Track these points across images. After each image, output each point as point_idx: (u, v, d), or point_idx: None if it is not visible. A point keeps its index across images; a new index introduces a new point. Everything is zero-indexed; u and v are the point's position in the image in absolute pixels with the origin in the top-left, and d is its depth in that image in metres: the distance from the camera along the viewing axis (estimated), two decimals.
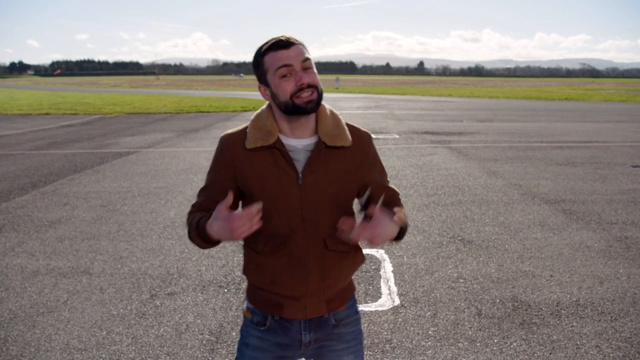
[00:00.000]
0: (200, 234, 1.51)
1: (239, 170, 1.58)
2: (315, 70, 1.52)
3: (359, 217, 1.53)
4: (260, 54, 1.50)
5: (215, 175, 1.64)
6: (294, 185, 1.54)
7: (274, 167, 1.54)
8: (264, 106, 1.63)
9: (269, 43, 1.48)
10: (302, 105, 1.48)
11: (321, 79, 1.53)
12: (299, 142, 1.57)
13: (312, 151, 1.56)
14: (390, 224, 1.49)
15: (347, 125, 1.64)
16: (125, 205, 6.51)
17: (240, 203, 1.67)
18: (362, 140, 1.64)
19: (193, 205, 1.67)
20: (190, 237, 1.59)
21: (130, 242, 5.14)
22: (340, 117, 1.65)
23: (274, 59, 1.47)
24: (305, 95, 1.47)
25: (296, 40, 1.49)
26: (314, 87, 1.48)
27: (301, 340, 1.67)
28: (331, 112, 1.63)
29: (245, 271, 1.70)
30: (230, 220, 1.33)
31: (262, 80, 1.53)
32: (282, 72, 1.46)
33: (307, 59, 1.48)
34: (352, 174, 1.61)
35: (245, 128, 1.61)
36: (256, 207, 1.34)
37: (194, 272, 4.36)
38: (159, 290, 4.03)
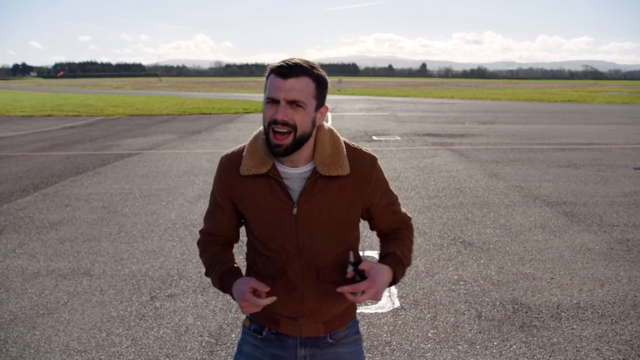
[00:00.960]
0: (223, 287, 1.60)
1: (235, 195, 1.57)
2: (307, 109, 1.42)
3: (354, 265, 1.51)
4: (268, 72, 1.45)
5: (215, 200, 1.65)
6: (289, 214, 1.51)
7: (269, 195, 1.51)
8: (261, 128, 1.56)
9: (277, 64, 1.42)
10: (272, 144, 1.43)
11: None
12: (295, 170, 1.52)
13: (307, 180, 1.50)
14: (384, 273, 1.48)
15: (350, 148, 1.56)
16: (127, 207, 6.53)
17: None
18: (363, 165, 1.55)
19: (202, 232, 1.71)
20: (207, 275, 1.68)
21: (131, 243, 5.15)
22: (341, 140, 1.57)
23: (270, 84, 1.42)
24: (278, 132, 1.41)
25: (300, 73, 1.40)
26: (291, 127, 1.40)
27: (296, 355, 1.65)
28: (331, 135, 1.55)
29: None
30: (241, 299, 1.45)
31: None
32: (268, 99, 1.42)
33: (295, 99, 1.39)
34: (351, 203, 1.55)
35: (243, 149, 1.57)
36: (263, 301, 1.44)
37: (194, 274, 4.36)
38: (159, 292, 4.04)
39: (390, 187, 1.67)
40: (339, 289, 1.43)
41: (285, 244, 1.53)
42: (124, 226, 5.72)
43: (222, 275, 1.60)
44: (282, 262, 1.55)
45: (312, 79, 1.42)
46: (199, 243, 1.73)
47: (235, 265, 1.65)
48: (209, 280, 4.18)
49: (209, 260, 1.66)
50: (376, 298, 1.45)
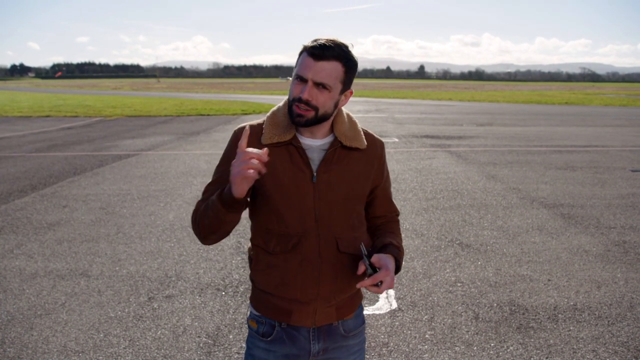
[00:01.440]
0: (222, 198, 1.42)
1: None
2: (333, 92, 1.47)
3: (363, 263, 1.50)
4: (302, 50, 1.48)
5: (226, 167, 1.53)
6: (308, 183, 1.52)
7: (289, 164, 1.53)
8: (281, 103, 1.61)
9: (311, 44, 1.45)
10: (293, 114, 1.48)
11: None
12: (314, 142, 1.56)
13: (327, 150, 1.55)
14: (391, 262, 1.51)
15: (364, 130, 1.65)
16: (124, 208, 6.52)
17: (249, 207, 1.65)
18: (375, 145, 1.65)
19: (199, 202, 1.57)
20: (201, 223, 1.51)
21: (129, 244, 5.15)
22: (357, 121, 1.65)
23: (301, 62, 1.46)
24: (301, 108, 1.46)
25: (332, 56, 1.43)
26: (313, 107, 1.46)
27: (310, 350, 1.62)
28: (348, 115, 1.63)
29: (253, 273, 1.64)
30: (242, 153, 1.33)
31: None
32: (298, 77, 1.48)
33: (324, 81, 1.44)
34: (365, 177, 1.61)
35: (262, 123, 1.60)
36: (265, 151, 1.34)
37: (192, 275, 4.36)
38: (156, 292, 4.04)
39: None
40: (359, 285, 1.45)
41: (303, 214, 1.53)
42: (122, 227, 5.72)
43: (222, 191, 1.44)
44: (298, 236, 1.53)
45: (342, 63, 1.46)
46: (196, 209, 1.56)
47: None
48: (207, 281, 4.21)
49: (205, 203, 1.51)
50: (392, 286, 1.48)
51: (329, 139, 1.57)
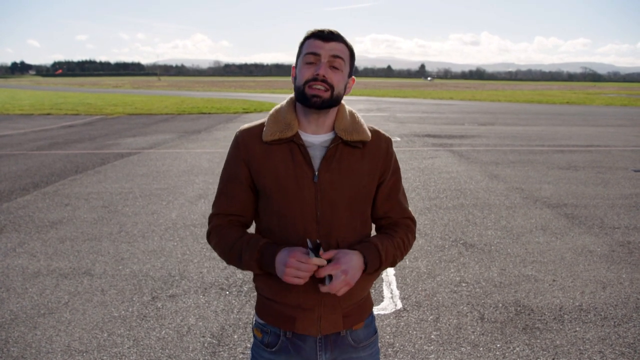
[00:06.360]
0: (262, 260, 1.47)
1: (254, 165, 1.52)
2: (344, 72, 1.49)
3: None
4: (305, 37, 1.49)
5: (230, 173, 1.57)
6: (310, 182, 1.48)
7: (290, 163, 1.49)
8: (284, 101, 1.59)
9: (315, 31, 1.47)
10: (308, 96, 1.44)
11: None
12: (316, 138, 1.52)
13: (328, 147, 1.51)
14: (352, 258, 1.43)
15: (368, 127, 1.60)
16: (127, 207, 6.50)
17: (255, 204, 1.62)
18: (380, 140, 1.59)
19: (214, 216, 1.60)
20: (225, 258, 1.57)
21: (132, 243, 5.13)
22: (361, 118, 1.61)
23: (309, 46, 1.46)
24: (317, 87, 1.43)
25: (340, 39, 1.47)
26: (330, 85, 1.44)
27: None
28: (351, 112, 1.59)
29: (256, 278, 1.60)
30: (286, 265, 1.38)
31: (297, 61, 1.52)
32: (309, 58, 1.45)
33: (338, 57, 1.46)
34: (369, 176, 1.54)
35: (262, 123, 1.57)
36: (312, 260, 1.37)
37: (196, 274, 4.35)
38: (160, 292, 4.02)
39: (402, 183, 1.68)
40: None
41: (304, 215, 1.48)
42: (125, 226, 5.71)
43: (261, 248, 1.48)
44: (298, 238, 1.48)
45: (347, 47, 1.50)
46: (212, 229, 1.59)
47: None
48: (210, 280, 4.19)
49: (235, 242, 1.52)
50: (348, 283, 1.40)
51: (330, 135, 1.53)
